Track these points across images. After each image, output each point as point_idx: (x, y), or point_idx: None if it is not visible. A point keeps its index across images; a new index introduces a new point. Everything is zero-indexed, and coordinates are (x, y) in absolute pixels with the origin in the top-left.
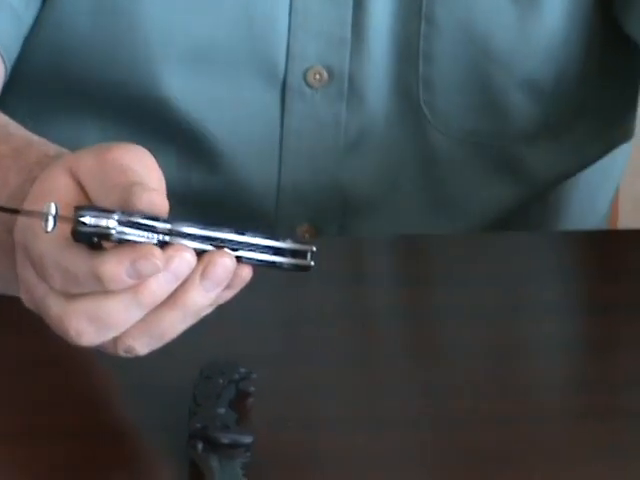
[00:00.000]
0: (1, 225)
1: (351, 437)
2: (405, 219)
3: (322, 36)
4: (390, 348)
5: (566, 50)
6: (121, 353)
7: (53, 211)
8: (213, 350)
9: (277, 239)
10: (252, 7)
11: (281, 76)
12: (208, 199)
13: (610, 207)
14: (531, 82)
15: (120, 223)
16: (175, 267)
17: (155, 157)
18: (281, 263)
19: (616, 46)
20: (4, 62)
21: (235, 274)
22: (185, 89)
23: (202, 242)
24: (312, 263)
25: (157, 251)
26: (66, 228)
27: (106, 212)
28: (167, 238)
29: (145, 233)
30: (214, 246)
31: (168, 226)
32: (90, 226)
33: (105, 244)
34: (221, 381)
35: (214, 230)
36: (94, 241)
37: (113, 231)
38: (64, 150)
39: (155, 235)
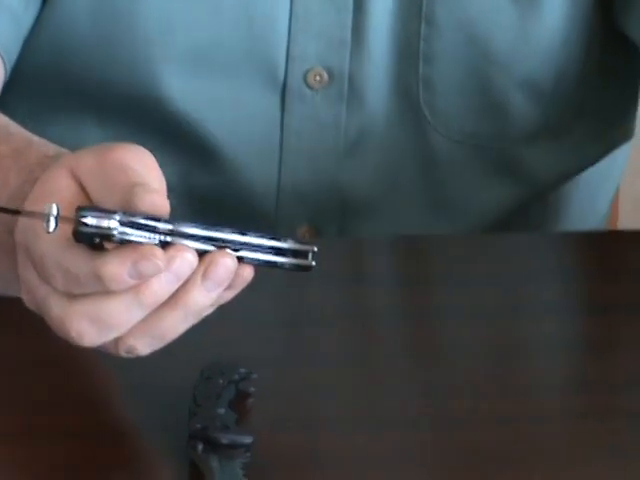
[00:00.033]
0: (2, 226)
1: (351, 437)
2: (405, 220)
3: (322, 37)
4: (390, 348)
5: (566, 50)
6: (122, 354)
7: (54, 212)
8: (214, 350)
9: (278, 239)
10: (252, 7)
11: (281, 77)
12: (208, 199)
13: (610, 207)
14: (531, 83)
15: (122, 223)
16: (177, 267)
17: (155, 157)
18: (282, 263)
19: (616, 46)
20: (4, 63)
21: (236, 274)
22: (185, 89)
23: (203, 242)
24: (313, 263)
25: (158, 251)
26: (67, 229)
27: (108, 212)
28: (169, 238)
29: (146, 234)
30: (215, 246)
31: (170, 226)
32: (92, 227)
33: (106, 245)
34: (221, 381)
35: (215, 230)
36: (95, 242)
37: (115, 231)
38: (64, 150)
39: (157, 235)
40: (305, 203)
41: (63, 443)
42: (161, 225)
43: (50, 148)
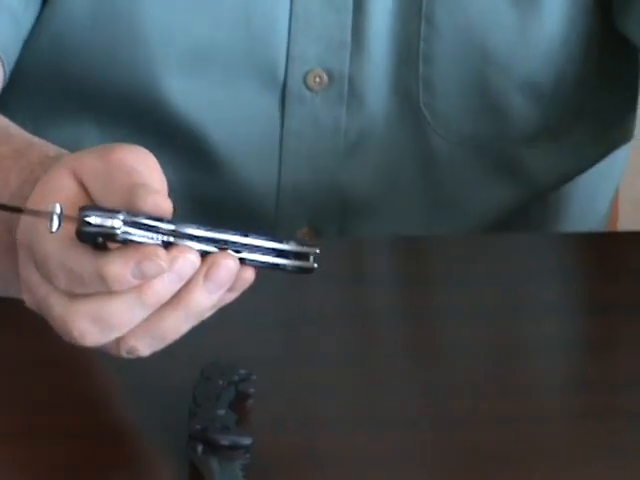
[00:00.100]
0: (2, 225)
1: (351, 437)
2: (405, 221)
3: (322, 39)
4: (390, 348)
5: (565, 52)
6: (123, 354)
7: (58, 210)
8: (214, 351)
9: (280, 241)
10: (252, 8)
11: (281, 78)
12: (208, 200)
13: (610, 208)
14: (531, 84)
15: (125, 223)
16: (179, 267)
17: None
18: (284, 265)
19: (615, 48)
20: (3, 65)
21: (238, 277)
22: (184, 90)
23: (206, 244)
24: (315, 265)
25: (161, 252)
26: (70, 228)
27: (111, 212)
28: (171, 239)
29: (149, 234)
30: (217, 248)
31: (172, 227)
32: (95, 226)
33: (109, 245)
34: (221, 382)
35: (218, 232)
36: (99, 241)
37: (118, 231)
38: (64, 151)
39: (159, 236)
40: (305, 204)
41: (63, 443)
42: (164, 225)
43: (51, 149)
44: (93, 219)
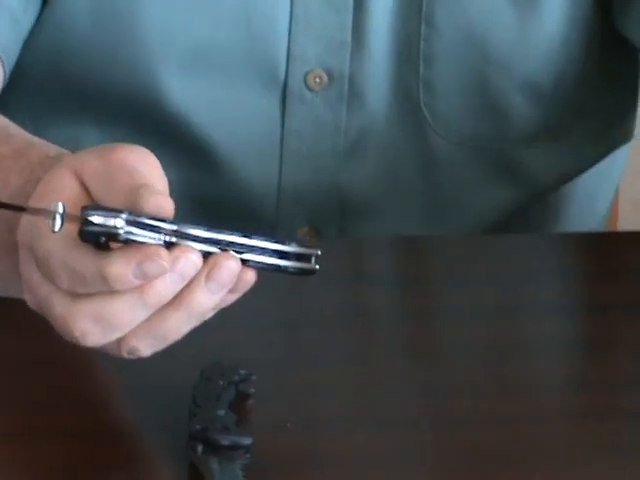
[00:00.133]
0: (2, 225)
1: (351, 437)
2: (405, 221)
3: (322, 39)
4: (390, 348)
5: (565, 52)
6: (124, 354)
7: (60, 210)
8: (214, 351)
9: (282, 242)
10: (252, 8)
11: (281, 78)
12: (208, 200)
13: (610, 208)
14: (531, 84)
15: (127, 223)
16: (181, 267)
17: None
18: (286, 267)
19: (615, 48)
20: (3, 65)
21: (239, 278)
22: (184, 90)
23: (208, 244)
24: (317, 267)
25: (163, 252)
26: (73, 228)
27: (114, 212)
28: (174, 239)
29: (152, 234)
30: (219, 249)
31: (175, 227)
32: (98, 225)
33: (111, 245)
34: (221, 382)
35: (220, 232)
36: (101, 241)
37: (121, 230)
38: (65, 151)
39: (162, 236)
40: (305, 204)
41: (62, 443)
42: (166, 226)
43: (51, 149)
44: (96, 218)
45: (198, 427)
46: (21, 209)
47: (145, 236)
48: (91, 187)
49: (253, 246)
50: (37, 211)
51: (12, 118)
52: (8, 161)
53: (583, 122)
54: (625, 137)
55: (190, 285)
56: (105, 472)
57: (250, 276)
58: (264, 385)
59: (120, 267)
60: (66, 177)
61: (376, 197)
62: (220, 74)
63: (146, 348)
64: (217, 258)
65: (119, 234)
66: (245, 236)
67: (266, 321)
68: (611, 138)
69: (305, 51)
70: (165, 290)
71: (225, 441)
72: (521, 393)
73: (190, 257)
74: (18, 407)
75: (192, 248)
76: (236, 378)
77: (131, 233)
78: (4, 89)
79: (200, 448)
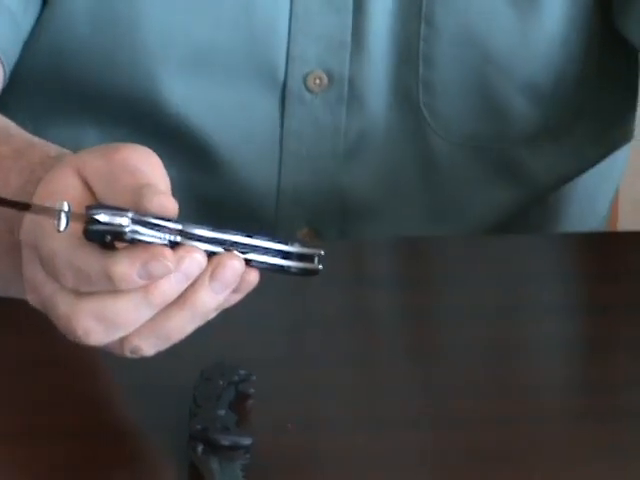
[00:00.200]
0: (3, 225)
1: (351, 437)
2: (405, 222)
3: (322, 40)
4: (391, 348)
5: (565, 52)
6: (127, 354)
7: (66, 208)
8: (215, 352)
9: (285, 243)
10: (252, 9)
11: (281, 79)
12: (208, 201)
13: (610, 208)
14: (531, 84)
15: (133, 222)
16: (186, 267)
17: None
18: (289, 267)
19: (615, 48)
20: (3, 66)
21: (242, 278)
22: (184, 92)
23: (212, 244)
24: (320, 267)
25: (168, 252)
26: (77, 227)
27: (119, 210)
28: (178, 238)
29: (157, 233)
30: (223, 248)
31: (180, 227)
32: (104, 224)
33: (116, 244)
34: (221, 383)
35: (223, 232)
36: (107, 240)
37: (126, 229)
38: (65, 151)
39: (167, 235)
40: (305, 205)
41: (63, 443)
42: (171, 225)
43: (52, 149)
44: (102, 217)
45: (198, 427)
46: (26, 207)
47: (151, 235)
48: (94, 187)
49: (257, 246)
50: (42, 210)
51: (12, 118)
52: (8, 161)
53: (583, 122)
54: (625, 137)
55: (194, 285)
56: (106, 472)
57: (253, 277)
58: (265, 385)
59: (125, 267)
60: (69, 176)
61: (376, 198)
62: (220, 75)
63: (149, 347)
64: (221, 258)
65: (125, 233)
66: (249, 236)
67: (268, 322)
68: (611, 138)
69: (305, 52)
70: (169, 290)
71: (225, 441)
72: (521, 393)
73: (195, 257)
74: (19, 407)
75: (197, 248)
76: (236, 378)
77: (137, 232)
78: (4, 89)
79: (200, 448)
